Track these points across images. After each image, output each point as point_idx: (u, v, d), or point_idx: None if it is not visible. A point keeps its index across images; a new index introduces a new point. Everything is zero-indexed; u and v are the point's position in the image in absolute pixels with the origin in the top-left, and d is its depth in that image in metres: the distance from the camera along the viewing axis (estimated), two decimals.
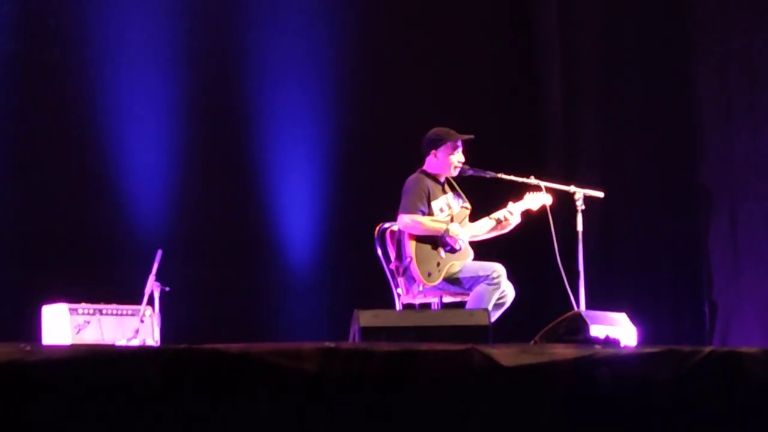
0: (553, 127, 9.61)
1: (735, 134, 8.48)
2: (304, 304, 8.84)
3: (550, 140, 9.57)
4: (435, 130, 7.06)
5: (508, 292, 6.78)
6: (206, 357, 3.95)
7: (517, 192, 7.13)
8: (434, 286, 6.82)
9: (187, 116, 8.82)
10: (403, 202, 6.95)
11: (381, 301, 6.98)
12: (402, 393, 4.09)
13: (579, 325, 6.01)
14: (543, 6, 9.69)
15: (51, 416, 3.78)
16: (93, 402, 3.82)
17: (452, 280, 6.82)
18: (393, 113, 9.08)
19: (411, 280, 6.87)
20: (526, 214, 7.12)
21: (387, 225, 7.07)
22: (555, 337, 5.75)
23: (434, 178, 7.05)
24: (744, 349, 4.45)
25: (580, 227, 7.07)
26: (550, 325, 5.90)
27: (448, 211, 6.99)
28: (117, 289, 7.81)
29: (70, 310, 7.47)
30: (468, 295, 6.78)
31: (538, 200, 7.10)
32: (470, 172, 7.07)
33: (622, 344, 5.54)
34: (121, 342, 7.25)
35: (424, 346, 4.22)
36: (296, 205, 9.03)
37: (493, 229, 7.07)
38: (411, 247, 6.85)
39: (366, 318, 5.39)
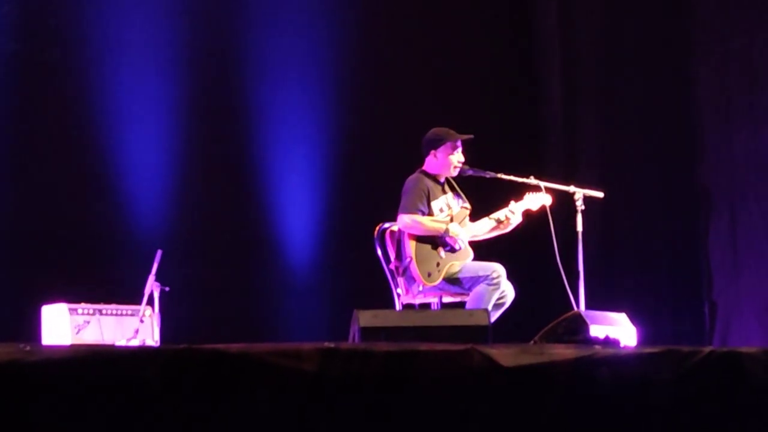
0: (553, 127, 9.62)
1: (735, 134, 8.48)
2: (304, 304, 8.85)
3: (550, 140, 9.57)
4: (434, 130, 7.06)
5: (507, 292, 6.78)
6: (206, 357, 3.95)
7: (516, 192, 7.13)
8: (434, 286, 6.82)
9: (187, 116, 8.82)
10: (403, 202, 6.95)
11: (381, 301, 6.97)
12: (402, 393, 4.08)
13: (579, 326, 6.01)
14: (543, 6, 9.69)
15: (51, 416, 3.78)
16: (93, 402, 3.81)
17: (452, 280, 6.82)
18: (393, 113, 9.08)
19: (411, 280, 6.87)
20: (526, 215, 7.12)
21: (387, 225, 7.07)
22: (555, 338, 5.75)
23: (434, 178, 7.05)
24: (744, 349, 4.45)
25: (579, 227, 7.07)
26: (550, 326, 5.89)
27: (448, 211, 6.99)
28: (117, 289, 7.81)
29: (70, 310, 7.47)
30: (468, 295, 6.78)
31: (537, 200, 7.10)
32: (470, 172, 7.07)
33: (621, 344, 5.53)
34: (121, 342, 7.25)
35: (424, 347, 4.21)
36: (296, 205, 9.03)
37: (494, 229, 7.07)
38: (411, 247, 6.85)
39: (366, 318, 5.38)
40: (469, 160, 7.09)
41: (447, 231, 6.85)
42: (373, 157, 9.01)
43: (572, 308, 6.75)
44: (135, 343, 7.19)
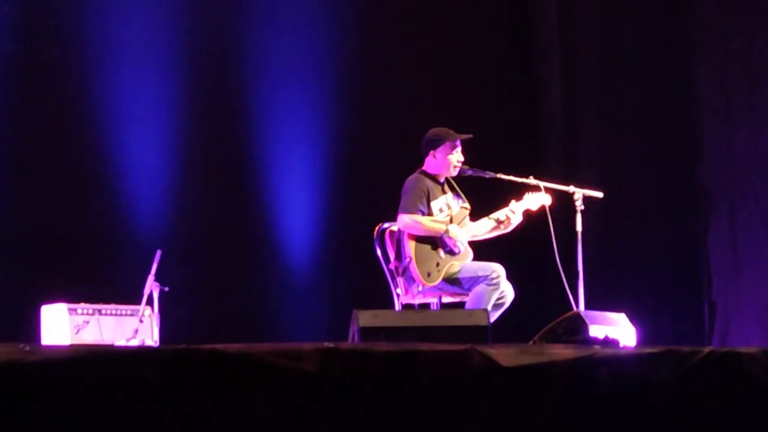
0: (553, 127, 9.61)
1: (735, 134, 8.49)
2: (304, 304, 8.84)
3: (550, 140, 9.57)
4: (434, 131, 7.06)
5: (507, 292, 6.78)
6: (205, 357, 3.95)
7: (516, 192, 7.13)
8: (433, 287, 6.82)
9: (187, 116, 8.82)
10: (403, 202, 6.95)
11: (380, 301, 6.97)
12: (401, 393, 4.08)
13: (578, 326, 6.01)
14: (543, 6, 9.69)
15: (50, 416, 3.78)
16: (92, 402, 3.81)
17: (451, 281, 6.82)
18: (393, 113, 9.08)
19: (410, 280, 6.87)
20: (526, 215, 7.12)
21: (386, 225, 7.07)
22: (554, 338, 5.75)
23: (434, 178, 7.05)
24: (743, 349, 4.45)
25: (579, 227, 7.07)
26: (550, 326, 5.90)
27: (448, 212, 6.98)
28: (116, 289, 7.81)
29: (70, 310, 7.47)
30: (467, 295, 6.78)
31: (537, 200, 7.09)
32: (469, 172, 7.06)
33: (621, 344, 5.53)
34: (121, 342, 7.24)
35: (424, 347, 4.21)
36: (296, 205, 9.03)
37: (494, 229, 7.07)
38: (410, 247, 6.85)
39: (365, 318, 5.38)
40: (469, 159, 7.08)
41: (447, 232, 6.85)
42: (373, 157, 9.00)
43: (572, 308, 6.75)
44: (134, 343, 7.18)
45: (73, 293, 7.59)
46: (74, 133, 8.57)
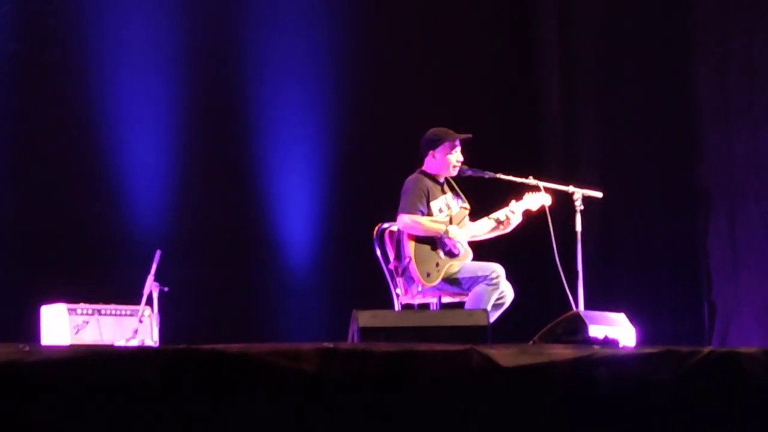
0: (552, 127, 9.62)
1: (735, 134, 8.49)
2: (303, 305, 8.84)
3: (550, 140, 9.57)
4: (433, 131, 7.06)
5: (507, 292, 6.78)
6: (205, 357, 3.95)
7: (516, 192, 7.13)
8: (433, 287, 6.82)
9: (187, 116, 8.82)
10: (403, 202, 6.94)
11: (380, 302, 6.97)
12: (401, 393, 4.08)
13: (578, 326, 6.01)
14: (543, 6, 9.69)
15: (50, 416, 3.78)
16: (92, 402, 3.81)
17: (451, 281, 6.82)
18: (393, 113, 9.08)
19: (410, 280, 6.87)
20: (526, 215, 7.12)
21: (386, 225, 7.07)
22: (554, 338, 5.75)
23: (433, 178, 7.05)
24: (743, 349, 4.45)
25: (579, 227, 7.06)
26: (549, 326, 5.89)
27: (447, 212, 6.98)
28: (116, 289, 7.80)
29: (69, 310, 7.47)
30: (467, 295, 6.78)
31: (537, 200, 7.09)
32: (469, 173, 7.06)
33: (620, 345, 5.53)
34: (120, 342, 7.24)
35: (423, 347, 4.21)
36: (295, 205, 9.02)
37: (494, 229, 7.06)
38: (410, 247, 6.85)
39: (365, 318, 5.38)
40: (469, 159, 7.08)
41: (446, 232, 6.85)
42: (373, 157, 9.00)
43: (571, 308, 6.74)
44: (134, 343, 7.18)
45: (73, 293, 7.58)
46: (74, 133, 8.57)
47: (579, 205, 7.10)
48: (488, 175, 7.09)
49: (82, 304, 7.53)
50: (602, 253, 8.73)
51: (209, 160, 8.91)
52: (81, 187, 8.52)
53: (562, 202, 7.25)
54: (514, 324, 6.68)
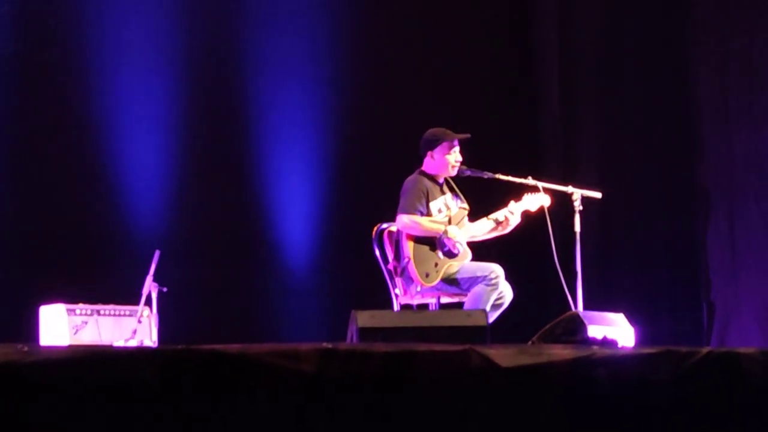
0: (552, 127, 9.62)
1: (735, 134, 8.49)
2: (303, 305, 8.84)
3: (549, 140, 9.58)
4: (431, 131, 7.06)
5: (506, 292, 6.78)
6: (204, 358, 3.95)
7: (515, 192, 7.13)
8: (432, 287, 6.82)
9: (186, 116, 8.82)
10: (402, 202, 6.95)
11: (379, 302, 6.98)
12: (400, 393, 4.08)
13: (577, 326, 6.00)
14: (543, 6, 9.70)
15: (50, 417, 3.78)
16: (91, 403, 3.81)
17: (450, 281, 6.82)
18: (393, 113, 9.09)
19: (409, 280, 6.87)
20: (525, 215, 7.12)
21: (385, 225, 7.07)
22: (553, 338, 5.75)
23: (433, 178, 7.05)
24: (742, 349, 4.44)
25: (578, 228, 7.07)
26: (548, 326, 5.89)
27: (446, 212, 6.98)
28: (115, 289, 7.80)
29: (68, 310, 7.47)
30: (466, 295, 6.78)
31: (536, 201, 7.09)
32: (468, 173, 7.06)
33: (619, 345, 5.53)
34: (119, 343, 7.24)
35: (422, 347, 4.21)
36: (295, 205, 9.03)
37: (493, 230, 7.06)
38: (409, 247, 6.85)
39: (364, 318, 5.38)
40: (468, 160, 7.08)
41: (445, 233, 6.85)
42: (373, 158, 9.01)
43: (570, 309, 6.75)
44: (133, 343, 7.18)
45: (72, 294, 7.58)
46: (74, 133, 8.57)
47: (578, 205, 7.11)
48: (487, 175, 7.09)
49: (81, 305, 7.53)
50: (601, 254, 8.74)
51: (209, 160, 8.91)
52: (80, 187, 8.52)
53: (561, 202, 7.25)
54: (513, 324, 6.68)
